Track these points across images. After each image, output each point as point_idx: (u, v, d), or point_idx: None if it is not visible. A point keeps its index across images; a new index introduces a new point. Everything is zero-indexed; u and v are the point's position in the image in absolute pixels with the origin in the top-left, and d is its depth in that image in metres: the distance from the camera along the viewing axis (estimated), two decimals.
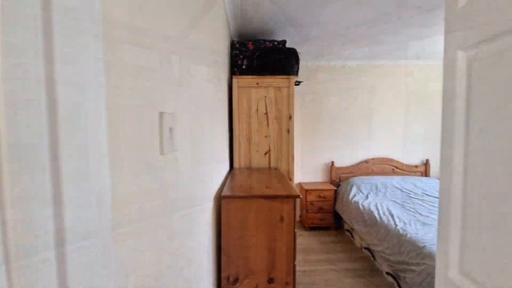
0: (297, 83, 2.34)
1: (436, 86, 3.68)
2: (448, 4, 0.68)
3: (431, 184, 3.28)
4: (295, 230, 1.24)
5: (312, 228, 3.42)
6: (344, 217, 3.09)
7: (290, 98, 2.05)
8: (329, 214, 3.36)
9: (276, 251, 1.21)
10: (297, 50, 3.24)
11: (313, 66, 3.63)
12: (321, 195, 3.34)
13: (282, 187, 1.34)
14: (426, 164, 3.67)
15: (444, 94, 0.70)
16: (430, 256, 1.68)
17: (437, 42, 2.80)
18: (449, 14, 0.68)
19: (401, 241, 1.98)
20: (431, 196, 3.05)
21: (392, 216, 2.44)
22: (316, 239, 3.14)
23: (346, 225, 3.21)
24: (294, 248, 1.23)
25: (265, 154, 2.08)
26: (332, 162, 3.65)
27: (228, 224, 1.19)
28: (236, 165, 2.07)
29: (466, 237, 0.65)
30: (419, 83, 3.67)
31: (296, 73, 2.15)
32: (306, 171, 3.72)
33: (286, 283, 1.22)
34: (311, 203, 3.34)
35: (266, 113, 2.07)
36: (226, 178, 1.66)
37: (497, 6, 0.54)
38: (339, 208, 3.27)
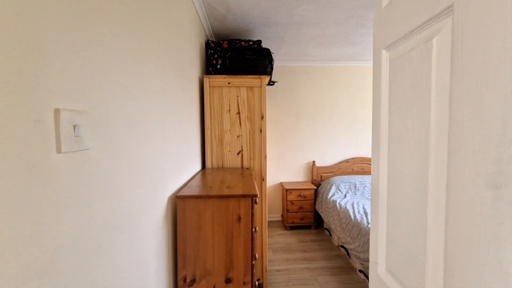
0: (272, 83, 2.34)
1: None
2: (376, 4, 0.69)
3: None
4: (254, 228, 1.23)
5: (293, 227, 3.44)
6: (323, 215, 3.12)
7: (262, 98, 2.05)
8: (310, 213, 3.38)
9: (234, 251, 1.20)
10: (277, 52, 3.26)
11: (293, 67, 3.65)
12: (302, 194, 3.36)
13: (244, 187, 1.34)
14: None
15: (373, 94, 0.71)
16: None
17: None
18: (376, 13, 0.69)
19: None
20: None
21: (366, 214, 2.48)
22: (296, 238, 3.15)
23: (325, 223, 3.23)
24: (252, 248, 1.22)
25: (238, 154, 2.08)
26: (313, 162, 3.68)
27: (183, 224, 1.18)
28: (208, 165, 2.05)
29: (389, 237, 0.66)
30: None
31: (269, 73, 2.15)
32: (288, 171, 3.74)
33: (244, 283, 1.22)
34: (292, 203, 3.36)
35: (239, 113, 2.06)
36: (192, 178, 1.64)
37: (408, 5, 0.55)
38: (318, 207, 3.30)
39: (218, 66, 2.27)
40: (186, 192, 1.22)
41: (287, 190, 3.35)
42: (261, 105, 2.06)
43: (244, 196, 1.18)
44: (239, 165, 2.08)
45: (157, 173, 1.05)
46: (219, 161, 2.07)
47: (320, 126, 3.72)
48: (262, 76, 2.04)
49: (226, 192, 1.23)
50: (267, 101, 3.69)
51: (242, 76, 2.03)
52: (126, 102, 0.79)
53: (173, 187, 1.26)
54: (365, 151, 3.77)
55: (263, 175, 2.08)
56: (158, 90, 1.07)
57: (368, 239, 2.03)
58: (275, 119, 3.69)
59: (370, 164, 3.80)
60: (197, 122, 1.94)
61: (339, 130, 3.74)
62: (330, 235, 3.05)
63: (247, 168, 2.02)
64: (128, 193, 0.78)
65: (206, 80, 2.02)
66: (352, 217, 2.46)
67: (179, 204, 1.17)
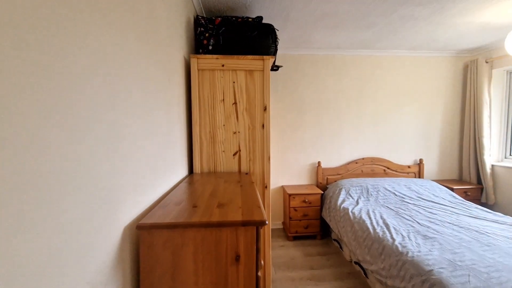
0: (276, 67, 1.92)
1: (430, 80, 3.39)
2: None
3: (426, 187, 2.97)
4: (258, 269, 0.81)
5: (296, 238, 3.03)
6: (332, 225, 2.72)
7: (265, 84, 1.63)
8: (315, 221, 2.98)
9: None
10: (279, 37, 2.85)
11: (296, 56, 3.23)
12: (306, 199, 2.95)
13: (244, 205, 0.92)
14: (420, 164, 3.37)
15: None
16: (441, 285, 1.32)
17: (433, 26, 2.47)
18: None
19: (400, 261, 1.62)
20: (427, 200, 2.73)
21: (387, 226, 2.08)
22: (300, 250, 2.75)
23: (334, 233, 2.84)
24: None
25: (234, 155, 1.65)
26: (319, 163, 3.28)
27: (150, 269, 0.75)
28: (196, 169, 1.62)
29: None
30: (411, 76, 3.36)
31: (273, 54, 1.73)
32: (290, 173, 3.33)
33: None
34: (295, 209, 2.95)
35: (235, 104, 1.64)
36: (173, 189, 1.22)
37: None
38: (326, 214, 2.90)
39: (210, 47, 1.83)
40: (155, 217, 0.79)
41: (289, 195, 2.94)
42: (263, 94, 1.64)
43: (245, 223, 0.76)
44: (236, 168, 1.66)
45: (104, 185, 0.62)
46: (211, 164, 1.64)
47: (325, 122, 3.32)
48: (265, 57, 1.61)
49: (216, 216, 0.80)
50: None
51: (240, 56, 1.61)
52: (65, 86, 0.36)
53: (136, 208, 0.83)
54: (376, 151, 3.38)
55: (266, 182, 1.66)
56: (118, 61, 0.64)
57: (397, 261, 1.64)
58: (274, 114, 3.27)
59: (381, 165, 3.43)
60: (182, 115, 1.51)
61: (346, 127, 3.34)
62: (341, 247, 2.66)
63: (246, 173, 1.60)
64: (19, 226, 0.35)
65: (194, 62, 1.59)
66: (371, 230, 2.06)
67: (143, 238, 0.75)
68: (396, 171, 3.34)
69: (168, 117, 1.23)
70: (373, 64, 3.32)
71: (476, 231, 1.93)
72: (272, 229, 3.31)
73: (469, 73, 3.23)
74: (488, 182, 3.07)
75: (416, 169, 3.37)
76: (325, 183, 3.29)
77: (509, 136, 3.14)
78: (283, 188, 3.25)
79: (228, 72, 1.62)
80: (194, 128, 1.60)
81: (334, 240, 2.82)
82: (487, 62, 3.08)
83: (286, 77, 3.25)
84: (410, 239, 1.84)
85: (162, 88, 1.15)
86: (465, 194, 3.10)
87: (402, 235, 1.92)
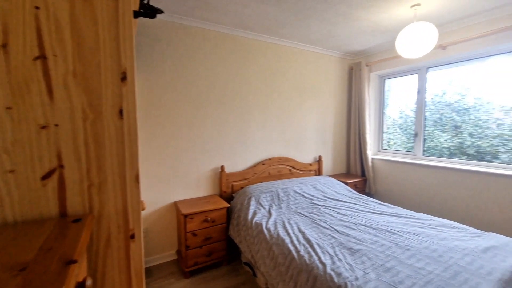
0: (149, 10, 1.08)
1: (325, 78, 3.45)
2: None
3: (328, 184, 2.93)
4: None
5: (195, 272, 2.26)
6: (243, 247, 2.14)
7: (123, 26, 0.78)
8: (221, 244, 2.33)
9: None
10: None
11: (189, 28, 2.44)
12: (209, 218, 2.24)
13: None
14: (319, 161, 3.38)
15: None
16: None
17: (337, 16, 2.34)
18: None
19: None
20: (332, 199, 2.64)
21: (309, 243, 1.69)
22: None
23: (244, 256, 2.28)
24: None
25: (45, 178, 0.71)
26: (222, 167, 2.64)
27: None
28: None
29: None
30: (311, 71, 3.30)
31: None
32: (185, 183, 2.51)
33: None
34: (194, 234, 2.18)
35: (43, 58, 0.70)
36: None
37: None
38: (234, 233, 2.29)
39: None
40: None
41: (185, 216, 2.13)
42: (120, 45, 0.79)
43: None
44: (54, 209, 0.72)
45: None
46: None
47: (229, 117, 2.72)
48: None
49: None
50: (141, 71, 2.29)
51: None
52: None
53: None
54: (282, 150, 3.11)
55: (132, 227, 0.82)
56: None
57: None
58: (165, 105, 2.35)
59: (287, 165, 3.17)
60: None
61: (253, 123, 2.88)
62: (254, 273, 2.12)
63: (77, 220, 0.70)
64: None
65: None
66: (294, 253, 1.60)
67: None
68: (300, 170, 3.19)
69: None
70: (278, 54, 3.01)
71: (387, 231, 1.85)
72: (161, 265, 2.39)
73: (354, 75, 3.50)
74: (370, 173, 3.42)
75: (316, 167, 3.35)
76: (230, 191, 2.69)
77: (381, 132, 3.63)
78: (176, 205, 2.39)
79: None
80: None
81: (245, 263, 2.26)
82: (367, 66, 3.41)
83: (177, 56, 2.40)
84: (339, 259, 1.49)
85: None
86: (355, 187, 3.32)
87: (329, 253, 1.55)
